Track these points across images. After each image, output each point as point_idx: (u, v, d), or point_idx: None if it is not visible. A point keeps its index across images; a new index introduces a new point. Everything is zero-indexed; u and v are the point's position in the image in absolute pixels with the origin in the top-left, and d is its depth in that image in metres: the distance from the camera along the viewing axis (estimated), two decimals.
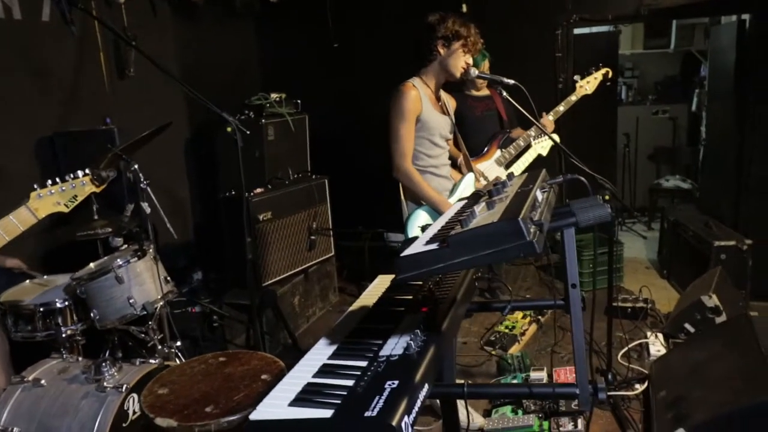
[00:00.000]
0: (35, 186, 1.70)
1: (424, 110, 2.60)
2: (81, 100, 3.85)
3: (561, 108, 3.58)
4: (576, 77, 3.67)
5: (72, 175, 1.82)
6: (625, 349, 3.35)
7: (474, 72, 2.66)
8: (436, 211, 2.60)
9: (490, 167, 3.57)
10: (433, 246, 1.17)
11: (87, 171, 1.78)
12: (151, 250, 2.59)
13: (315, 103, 4.85)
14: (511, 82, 2.50)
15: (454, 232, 1.18)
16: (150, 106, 4.26)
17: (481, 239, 1.13)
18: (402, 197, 2.71)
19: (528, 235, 1.10)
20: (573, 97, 3.61)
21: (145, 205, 2.54)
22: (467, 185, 2.87)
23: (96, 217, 3.02)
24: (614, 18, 4.85)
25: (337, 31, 5.23)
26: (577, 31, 4.99)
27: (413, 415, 1.05)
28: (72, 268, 2.94)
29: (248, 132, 2.70)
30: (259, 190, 3.85)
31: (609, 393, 2.84)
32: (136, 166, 2.77)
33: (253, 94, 4.55)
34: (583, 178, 1.52)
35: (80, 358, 2.50)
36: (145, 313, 2.53)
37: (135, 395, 2.23)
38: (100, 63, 4.02)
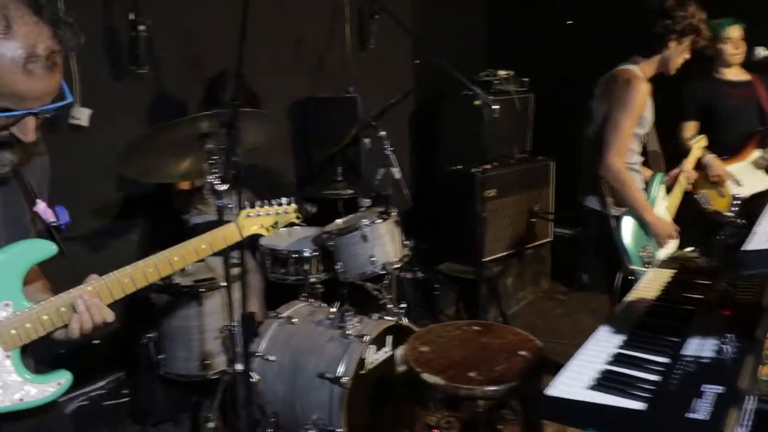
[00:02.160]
0: (245, 204, 1.72)
1: (647, 106, 2.38)
2: (327, 69, 4.17)
3: None
4: None
5: (278, 202, 1.78)
6: None
7: (763, 53, 2.34)
8: (635, 217, 2.39)
9: (745, 170, 3.14)
10: None
11: (292, 201, 1.79)
12: (394, 214, 2.73)
13: (542, 82, 4.69)
14: None
15: None
16: (384, 78, 4.47)
17: None
18: (603, 198, 2.49)
19: None
20: None
21: (396, 171, 2.67)
22: (660, 187, 2.60)
23: (340, 178, 3.27)
24: None
25: (570, 8, 4.98)
26: None
27: (745, 429, 0.96)
28: (314, 221, 3.23)
29: (497, 107, 2.68)
30: (486, 166, 3.84)
31: None
32: (383, 133, 2.93)
33: (479, 70, 4.54)
34: None
35: (323, 304, 2.74)
36: (384, 272, 2.68)
37: (373, 346, 2.39)
38: (345, 34, 4.31)
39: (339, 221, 2.91)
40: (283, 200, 1.76)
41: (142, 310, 2.70)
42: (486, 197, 3.80)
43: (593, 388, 1.08)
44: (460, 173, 3.86)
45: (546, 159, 4.23)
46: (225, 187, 2.12)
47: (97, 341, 3.15)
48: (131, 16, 2.87)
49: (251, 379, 2.20)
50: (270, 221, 1.72)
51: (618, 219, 2.42)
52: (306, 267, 2.84)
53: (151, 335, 2.60)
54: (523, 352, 1.64)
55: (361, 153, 3.73)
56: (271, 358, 2.45)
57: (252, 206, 1.69)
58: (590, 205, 2.55)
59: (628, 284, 1.86)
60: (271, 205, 1.73)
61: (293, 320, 2.54)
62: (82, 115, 2.78)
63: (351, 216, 2.93)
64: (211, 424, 2.42)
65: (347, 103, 3.77)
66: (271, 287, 2.97)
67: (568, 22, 4.97)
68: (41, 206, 1.31)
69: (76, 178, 2.89)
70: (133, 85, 3.04)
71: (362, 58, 4.40)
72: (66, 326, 1.27)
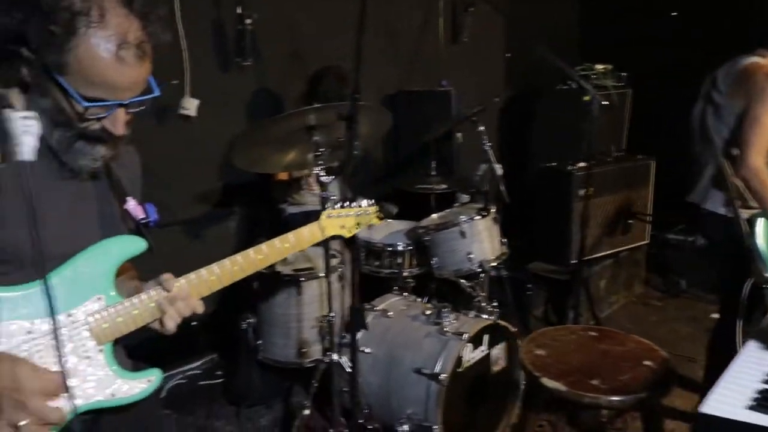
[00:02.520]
0: (327, 206, 1.66)
1: None
2: (419, 62, 4.15)
3: None
4: None
5: (359, 203, 1.71)
6: None
7: None
8: None
9: None
10: None
11: (373, 202, 1.72)
12: (493, 211, 2.67)
13: (641, 77, 4.47)
14: None
15: None
16: (476, 72, 4.40)
17: None
18: (731, 199, 2.30)
19: None
20: None
21: (498, 167, 2.61)
22: None
23: (434, 173, 3.24)
24: None
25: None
26: None
27: None
28: (404, 215, 3.22)
29: (607, 102, 2.56)
30: (582, 164, 3.71)
31: None
32: (482, 128, 2.87)
33: (573, 64, 4.37)
34: None
35: (418, 299, 2.73)
36: (480, 270, 2.64)
37: (470, 345, 2.35)
38: (438, 28, 4.26)
39: (435, 216, 2.88)
40: (364, 201, 1.72)
41: (242, 296, 2.79)
42: (582, 196, 3.66)
43: (753, 408, 1.01)
44: (555, 171, 3.74)
45: (646, 158, 4.03)
46: (330, 179, 2.15)
47: (194, 323, 3.28)
48: (239, 10, 2.94)
49: (352, 370, 2.21)
50: (352, 222, 1.68)
51: (750, 222, 2.26)
52: (399, 261, 2.84)
53: (250, 320, 2.68)
54: (648, 362, 1.56)
55: (453, 147, 3.69)
56: (367, 350, 2.46)
57: (333, 207, 1.67)
58: (710, 208, 2.39)
59: (758, 293, 1.73)
60: (352, 206, 1.70)
61: (389, 313, 2.54)
62: (191, 106, 2.88)
63: (447, 211, 2.90)
64: (306, 411, 2.47)
65: (441, 96, 3.74)
66: (363, 279, 2.98)
67: (673, 14, 4.71)
68: (131, 203, 1.32)
69: (182, 165, 3.02)
70: (237, 77, 3.13)
71: (454, 52, 4.35)
72: (155, 320, 1.28)
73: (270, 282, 2.57)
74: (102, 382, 1.21)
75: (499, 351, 2.51)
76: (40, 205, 1.07)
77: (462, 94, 3.82)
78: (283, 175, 3.08)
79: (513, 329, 2.50)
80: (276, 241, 1.46)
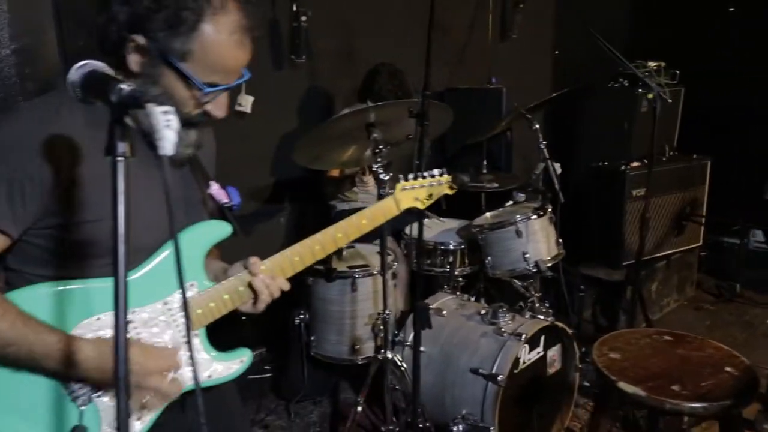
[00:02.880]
0: (400, 177, 1.64)
1: None
2: (469, 59, 4.11)
3: None
4: None
5: (431, 174, 1.68)
6: None
7: None
8: None
9: None
10: None
11: (445, 172, 1.68)
12: (549, 210, 2.64)
13: (695, 74, 4.35)
14: None
15: None
16: (524, 69, 4.35)
17: None
18: None
19: None
20: None
21: (557, 166, 2.58)
22: None
23: (485, 171, 3.21)
24: None
25: None
26: None
27: None
28: (454, 214, 3.20)
29: (670, 101, 2.50)
30: (635, 164, 3.63)
31: None
32: (537, 126, 2.83)
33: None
34: None
35: (470, 298, 2.71)
36: (536, 270, 2.60)
37: (527, 346, 2.33)
38: (487, 24, 4.22)
39: (488, 215, 2.86)
40: (435, 171, 1.69)
41: (295, 291, 2.81)
42: (634, 197, 3.59)
43: None
44: (606, 170, 3.67)
45: (701, 157, 3.92)
46: (388, 175, 2.14)
47: (244, 317, 3.33)
48: (294, 7, 2.96)
49: (412, 368, 2.21)
50: (425, 193, 1.66)
51: None
52: (451, 259, 2.82)
53: (303, 316, 2.70)
54: (729, 369, 1.51)
55: (504, 145, 3.66)
56: (422, 348, 2.44)
57: (406, 179, 1.65)
58: None
59: None
60: (424, 177, 1.67)
61: (443, 312, 2.53)
62: (246, 102, 2.92)
63: (501, 210, 2.87)
64: (359, 408, 2.47)
65: (492, 94, 3.71)
66: (413, 277, 2.98)
67: (730, 9, 4.57)
68: (215, 187, 1.34)
69: (236, 161, 3.05)
70: (291, 74, 3.16)
71: (503, 49, 4.30)
72: (245, 303, 1.32)
73: (325, 278, 2.58)
74: (199, 366, 1.25)
75: (554, 353, 2.48)
76: (136, 195, 1.08)
77: (511, 92, 3.78)
78: (334, 172, 3.09)
79: (570, 331, 2.47)
80: (353, 218, 1.47)
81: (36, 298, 1.11)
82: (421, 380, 2.43)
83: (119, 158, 0.70)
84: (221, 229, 1.29)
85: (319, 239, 1.41)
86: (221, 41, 1.10)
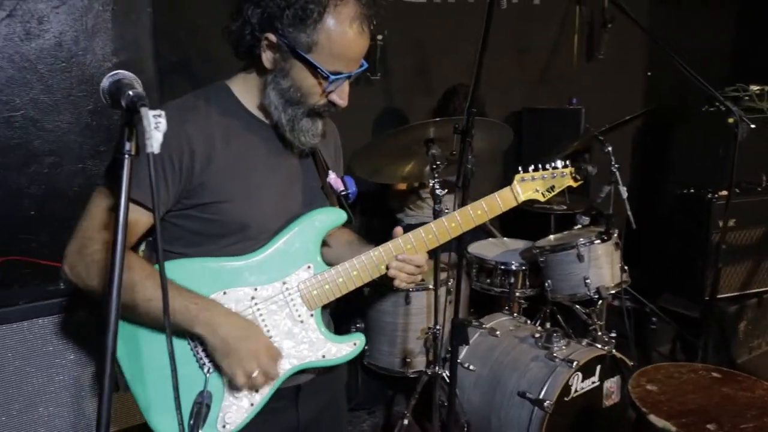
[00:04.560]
0: (520, 169, 1.59)
1: None
2: (550, 79, 4.04)
3: None
4: None
5: (553, 165, 1.61)
6: None
7: None
8: None
9: None
10: None
11: (568, 163, 1.59)
12: (615, 235, 2.53)
13: None
14: None
15: None
16: (611, 91, 4.20)
17: None
18: None
19: None
20: None
21: (623, 189, 2.48)
22: None
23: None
24: None
25: None
26: None
27: None
28: (522, 235, 3.15)
29: (753, 126, 2.33)
30: (723, 192, 3.40)
31: None
32: (609, 149, 2.73)
33: (725, 85, 4.02)
34: None
35: (528, 321, 2.65)
36: (597, 296, 2.51)
37: (580, 374, 2.24)
38: (572, 44, 4.13)
39: (551, 237, 2.79)
40: (558, 163, 1.60)
41: (353, 300, 2.88)
42: (724, 227, 3.35)
43: None
44: (693, 198, 3.45)
45: None
46: (444, 192, 2.16)
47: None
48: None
49: (451, 385, 2.20)
50: (545, 185, 1.58)
51: None
52: (512, 280, 2.78)
53: (359, 325, 2.75)
54: None
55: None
56: (471, 367, 2.43)
57: (526, 170, 1.58)
58: None
59: None
60: (545, 168, 1.59)
61: (496, 332, 2.50)
62: None
63: (565, 233, 2.79)
64: (405, 421, 2.48)
65: (570, 114, 3.62)
66: (474, 295, 2.96)
67: None
68: (332, 176, 1.41)
69: None
70: (366, 90, 3.25)
71: (589, 69, 4.18)
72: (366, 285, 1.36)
73: (380, 289, 2.63)
74: (314, 345, 1.31)
75: (612, 384, 2.37)
76: (261, 181, 1.26)
77: (593, 114, 3.67)
78: (401, 185, 3.14)
79: (630, 363, 2.35)
80: (468, 209, 1.45)
81: (176, 271, 1.22)
82: (469, 398, 2.43)
83: (125, 156, 0.79)
84: (337, 216, 1.36)
85: (433, 229, 1.40)
86: (344, 31, 1.18)
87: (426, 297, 2.57)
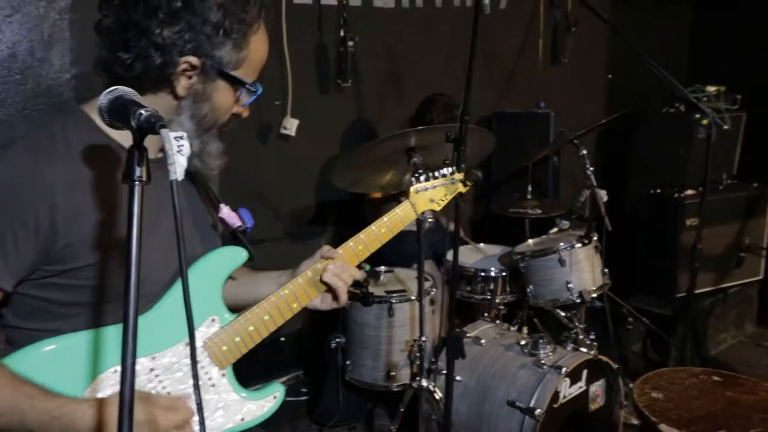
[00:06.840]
0: (413, 180, 1.56)
1: None
2: (517, 83, 4.06)
3: None
4: None
5: (442, 173, 1.60)
6: None
7: None
8: None
9: None
10: None
11: (455, 169, 1.60)
12: (595, 239, 2.55)
13: (758, 100, 4.15)
14: None
15: None
16: (575, 93, 4.26)
17: None
18: None
19: None
20: None
21: (603, 193, 2.50)
22: None
23: (529, 197, 3.14)
24: None
25: None
26: None
27: None
28: (496, 240, 3.14)
29: (726, 127, 2.39)
30: (690, 191, 3.49)
31: None
32: (584, 152, 2.76)
33: (683, 86, 4.14)
34: None
35: (511, 327, 2.64)
36: (580, 300, 2.51)
37: (568, 380, 2.24)
38: (537, 48, 4.17)
39: (530, 242, 2.79)
40: (446, 170, 1.60)
41: (332, 314, 2.80)
42: (688, 226, 3.44)
43: None
44: (660, 198, 3.53)
45: (762, 186, 3.72)
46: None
47: (283, 338, 3.34)
48: (342, 33, 3.00)
49: (440, 398, 2.16)
50: (440, 194, 1.60)
51: None
52: (492, 287, 2.76)
53: (339, 340, 2.68)
54: None
55: (550, 171, 3.58)
56: (458, 378, 2.38)
57: (419, 180, 1.59)
58: None
59: None
60: (436, 177, 1.60)
61: (481, 341, 2.47)
62: (291, 126, 2.96)
63: (544, 237, 2.80)
64: None
65: (539, 118, 3.64)
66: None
67: None
68: (225, 210, 1.27)
69: (280, 183, 3.11)
70: (336, 98, 3.19)
71: (554, 73, 4.23)
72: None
73: (361, 302, 2.56)
74: (230, 408, 1.16)
75: (597, 388, 2.38)
76: (144, 229, 0.91)
77: (560, 116, 3.71)
78: (376, 194, 3.09)
79: (615, 366, 2.36)
80: (372, 228, 1.42)
81: (38, 358, 1.00)
82: (457, 411, 2.38)
83: (136, 183, 0.71)
84: (237, 256, 1.21)
85: (341, 254, 1.34)
86: (263, 40, 1.15)
87: (410, 308, 2.52)
